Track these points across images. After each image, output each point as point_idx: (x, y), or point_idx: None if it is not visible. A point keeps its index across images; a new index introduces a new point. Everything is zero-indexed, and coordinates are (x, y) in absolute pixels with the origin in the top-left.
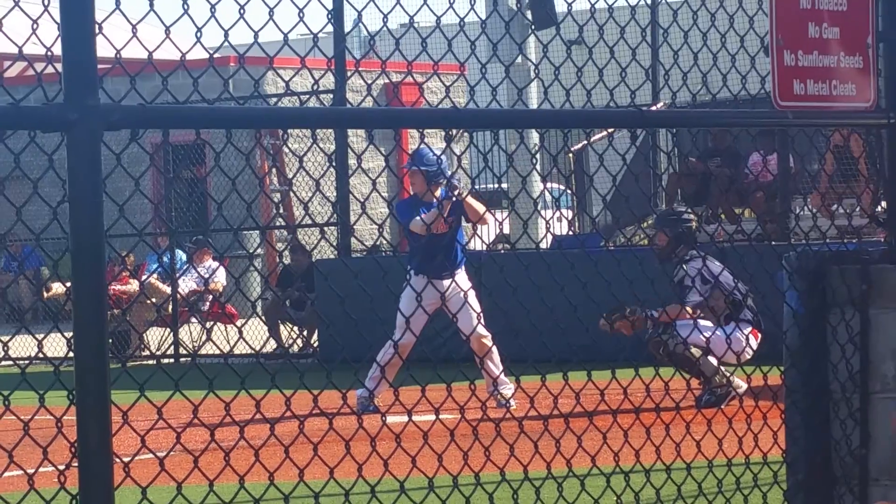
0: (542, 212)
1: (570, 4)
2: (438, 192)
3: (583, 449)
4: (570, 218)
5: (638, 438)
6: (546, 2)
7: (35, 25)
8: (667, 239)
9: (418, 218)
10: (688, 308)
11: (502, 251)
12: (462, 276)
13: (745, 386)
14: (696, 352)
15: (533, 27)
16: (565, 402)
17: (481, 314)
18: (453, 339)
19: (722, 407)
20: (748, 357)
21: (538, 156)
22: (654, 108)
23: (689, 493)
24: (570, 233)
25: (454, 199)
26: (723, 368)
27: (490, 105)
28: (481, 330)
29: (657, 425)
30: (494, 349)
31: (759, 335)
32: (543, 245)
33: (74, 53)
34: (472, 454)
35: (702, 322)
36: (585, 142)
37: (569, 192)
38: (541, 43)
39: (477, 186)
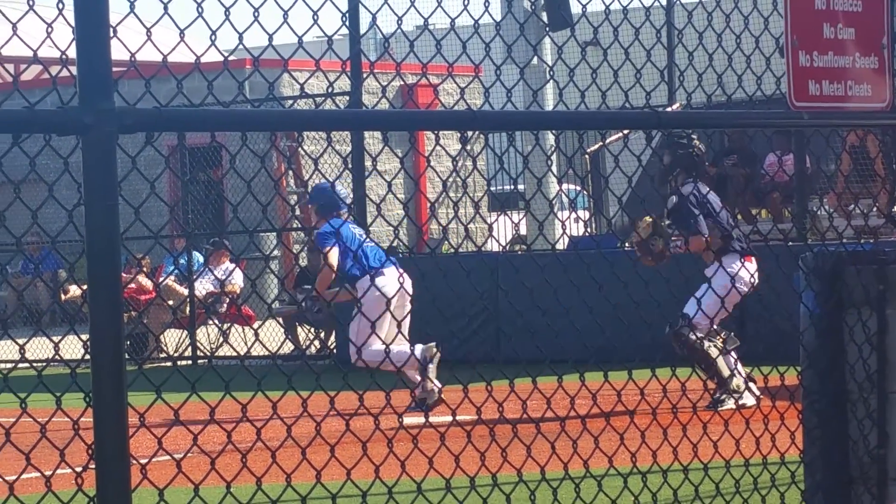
0: (558, 213)
1: (584, 6)
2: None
3: (600, 450)
4: (586, 219)
5: (655, 439)
6: (561, 3)
7: (50, 29)
8: (669, 160)
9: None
10: (705, 237)
11: (518, 252)
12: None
13: (754, 401)
14: (713, 350)
15: (548, 29)
16: (582, 402)
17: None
18: (470, 341)
19: (736, 407)
20: (752, 284)
21: (554, 157)
22: (669, 109)
23: (707, 493)
24: (586, 234)
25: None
26: (740, 373)
27: (505, 107)
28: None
29: (674, 426)
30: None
31: (752, 259)
32: (559, 246)
33: (89, 57)
34: (489, 455)
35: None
36: (601, 143)
37: (585, 193)
38: (556, 44)
39: (493, 188)
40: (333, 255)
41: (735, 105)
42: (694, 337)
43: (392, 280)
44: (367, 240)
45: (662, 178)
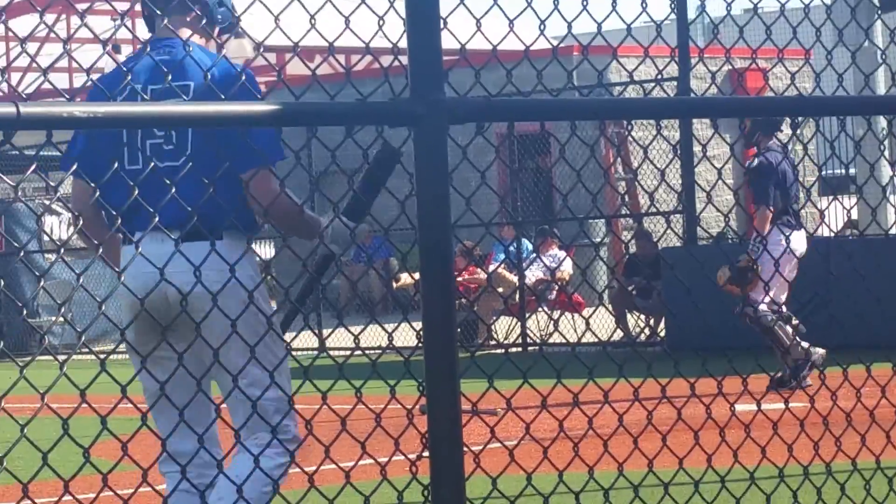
0: (891, 198)
1: None
2: None
3: None
4: None
5: None
6: None
7: (381, 21)
8: (748, 125)
9: None
10: (768, 210)
11: (850, 237)
12: None
13: (822, 351)
14: (781, 330)
15: (879, 11)
16: None
17: None
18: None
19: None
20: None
21: (886, 141)
22: None
23: None
24: None
25: None
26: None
27: (836, 91)
28: None
29: None
30: None
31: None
32: (893, 231)
33: (420, 49)
34: (822, 443)
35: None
36: None
37: None
38: (887, 27)
39: (824, 173)
40: None
41: None
42: (754, 314)
43: None
44: None
45: (747, 142)
